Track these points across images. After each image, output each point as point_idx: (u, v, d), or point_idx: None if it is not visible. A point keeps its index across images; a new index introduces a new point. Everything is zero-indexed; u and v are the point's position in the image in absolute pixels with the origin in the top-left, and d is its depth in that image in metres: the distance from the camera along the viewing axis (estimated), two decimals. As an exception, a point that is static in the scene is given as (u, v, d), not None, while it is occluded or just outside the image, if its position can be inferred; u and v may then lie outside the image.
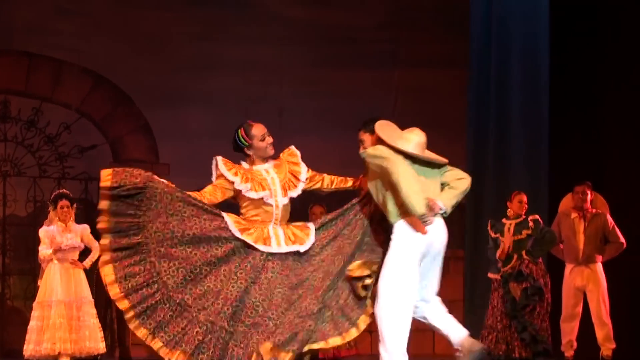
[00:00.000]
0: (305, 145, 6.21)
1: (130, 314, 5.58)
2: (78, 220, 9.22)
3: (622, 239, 8.91)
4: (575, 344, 8.87)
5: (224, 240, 5.66)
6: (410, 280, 5.39)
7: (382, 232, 5.70)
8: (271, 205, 5.75)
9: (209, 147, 11.07)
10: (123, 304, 5.58)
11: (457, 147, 11.24)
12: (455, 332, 5.55)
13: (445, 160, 5.60)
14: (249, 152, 5.89)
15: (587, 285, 8.87)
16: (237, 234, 5.65)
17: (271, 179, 5.81)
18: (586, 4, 10.75)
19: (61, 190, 9.40)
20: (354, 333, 5.67)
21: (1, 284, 11.07)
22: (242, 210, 5.81)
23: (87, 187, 11.24)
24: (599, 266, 8.90)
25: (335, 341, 5.63)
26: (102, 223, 5.62)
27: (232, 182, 5.75)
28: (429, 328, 5.76)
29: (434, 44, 11.59)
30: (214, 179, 5.87)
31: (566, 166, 10.53)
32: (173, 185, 5.79)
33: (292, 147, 6.00)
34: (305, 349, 5.59)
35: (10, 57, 11.28)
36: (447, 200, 5.44)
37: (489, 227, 8.69)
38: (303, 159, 6.08)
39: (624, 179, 10.07)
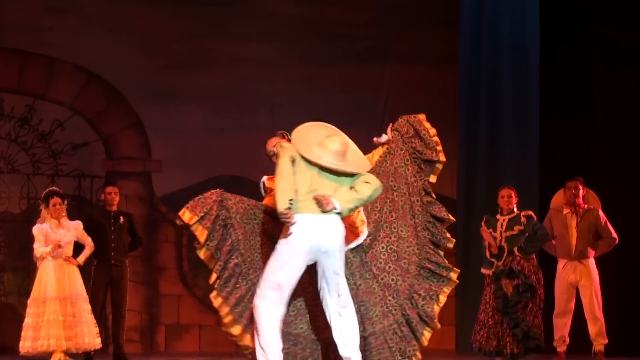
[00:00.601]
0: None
1: (228, 318, 5.61)
2: (70, 217, 9.16)
3: (615, 234, 8.84)
4: (567, 340, 8.81)
5: None
6: (286, 274, 5.35)
7: (418, 175, 5.97)
8: None
9: (201, 143, 11.21)
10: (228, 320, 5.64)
11: (449, 143, 11.14)
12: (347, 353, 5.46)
13: (357, 172, 5.50)
14: None
15: (580, 280, 8.80)
16: None
17: None
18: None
19: (52, 188, 9.35)
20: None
21: (-5, 281, 11.16)
22: None
23: (81, 183, 11.24)
24: (592, 261, 8.84)
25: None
26: (203, 254, 5.72)
27: None
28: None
29: (425, 40, 11.58)
30: (264, 194, 5.93)
31: (557, 162, 10.53)
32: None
33: None
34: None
35: (2, 54, 11.24)
36: (343, 203, 5.36)
37: (483, 223, 8.62)
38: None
39: (615, 174, 10.06)
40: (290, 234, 5.31)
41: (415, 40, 11.55)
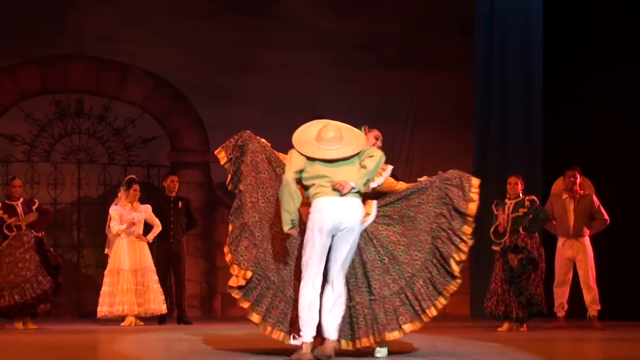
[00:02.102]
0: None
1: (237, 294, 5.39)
2: (140, 200, 9.38)
3: (607, 216, 8.87)
4: (566, 306, 8.86)
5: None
6: (314, 251, 5.23)
7: (455, 217, 5.50)
8: None
9: (253, 138, 11.29)
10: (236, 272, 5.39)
11: (466, 138, 11.30)
12: (327, 331, 5.28)
13: (355, 152, 5.34)
14: None
15: (577, 255, 8.83)
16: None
17: None
18: (574, 8, 10.78)
19: (133, 176, 9.54)
20: (423, 320, 5.47)
21: (76, 255, 11.19)
22: None
23: (149, 172, 11.33)
24: (587, 239, 8.87)
25: (408, 327, 5.42)
26: (230, 185, 5.65)
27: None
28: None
29: (445, 49, 11.55)
30: None
31: (558, 154, 10.49)
32: (267, 145, 5.72)
33: (389, 166, 5.75)
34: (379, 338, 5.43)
35: (83, 61, 11.36)
36: (357, 180, 5.24)
37: (493, 206, 8.64)
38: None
39: (608, 165, 10.01)
40: (313, 217, 5.23)
41: (436, 49, 11.55)
